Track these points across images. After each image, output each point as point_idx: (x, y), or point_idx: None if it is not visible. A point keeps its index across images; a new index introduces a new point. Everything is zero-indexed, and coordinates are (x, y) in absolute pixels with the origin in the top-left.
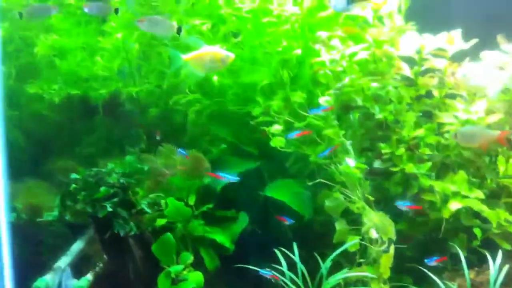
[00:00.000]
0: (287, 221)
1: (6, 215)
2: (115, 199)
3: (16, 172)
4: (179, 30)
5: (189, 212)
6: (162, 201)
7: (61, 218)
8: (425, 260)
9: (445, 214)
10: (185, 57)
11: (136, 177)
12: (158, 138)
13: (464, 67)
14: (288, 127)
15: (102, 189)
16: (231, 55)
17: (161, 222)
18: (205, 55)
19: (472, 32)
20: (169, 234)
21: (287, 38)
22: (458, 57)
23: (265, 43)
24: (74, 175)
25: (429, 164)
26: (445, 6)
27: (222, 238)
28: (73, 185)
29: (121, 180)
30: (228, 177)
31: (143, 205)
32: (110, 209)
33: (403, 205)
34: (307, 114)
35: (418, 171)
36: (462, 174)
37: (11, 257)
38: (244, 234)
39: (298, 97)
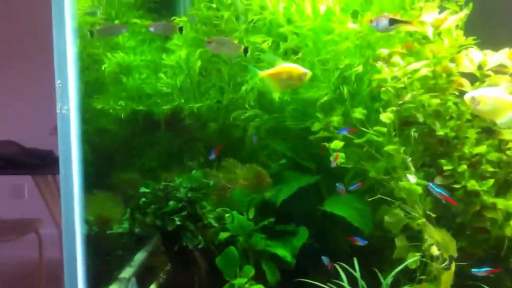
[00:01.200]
0: (359, 242)
1: (80, 227)
2: (184, 213)
3: (86, 185)
4: (245, 51)
5: (251, 226)
6: (227, 215)
7: (131, 231)
8: (473, 270)
9: (508, 232)
10: (262, 73)
11: (203, 191)
12: (213, 156)
13: None
14: (347, 143)
15: (171, 203)
16: (309, 72)
17: (224, 235)
18: (282, 72)
19: None
20: (232, 248)
21: (348, 55)
22: None
23: (324, 60)
24: (143, 189)
25: (492, 181)
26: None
27: (283, 252)
28: (143, 199)
29: (189, 195)
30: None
31: (210, 219)
32: (178, 223)
33: (435, 189)
34: (367, 130)
35: (480, 188)
36: None
37: (83, 268)
38: (303, 248)
39: (358, 113)
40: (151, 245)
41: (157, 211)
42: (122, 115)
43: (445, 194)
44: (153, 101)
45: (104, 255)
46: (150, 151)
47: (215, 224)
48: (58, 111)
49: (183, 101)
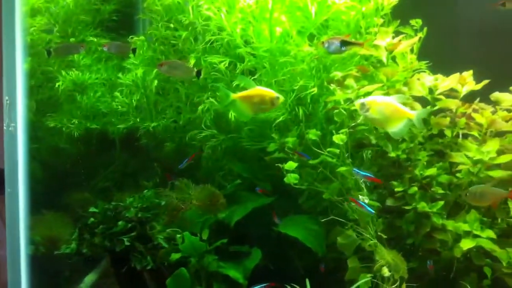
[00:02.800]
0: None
1: (25, 248)
2: (133, 233)
3: (34, 204)
4: (198, 74)
5: (203, 247)
6: (178, 236)
7: (79, 251)
8: None
9: (457, 253)
10: (235, 95)
11: (154, 212)
12: (183, 165)
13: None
14: (302, 164)
15: (120, 223)
16: (281, 97)
17: (175, 256)
18: (255, 95)
19: (484, 72)
20: (183, 269)
21: (303, 77)
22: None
23: (281, 81)
24: (92, 209)
25: (442, 203)
26: (458, 46)
27: (235, 273)
28: (91, 219)
29: (139, 215)
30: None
31: (160, 239)
32: (127, 243)
33: (360, 173)
34: (321, 152)
35: (431, 210)
36: (474, 214)
37: None
38: (257, 270)
39: (313, 134)
40: (102, 266)
41: (106, 232)
42: (76, 134)
43: (370, 175)
44: (108, 120)
45: (51, 277)
46: (105, 171)
47: (165, 245)
48: (5, 128)
49: (138, 120)
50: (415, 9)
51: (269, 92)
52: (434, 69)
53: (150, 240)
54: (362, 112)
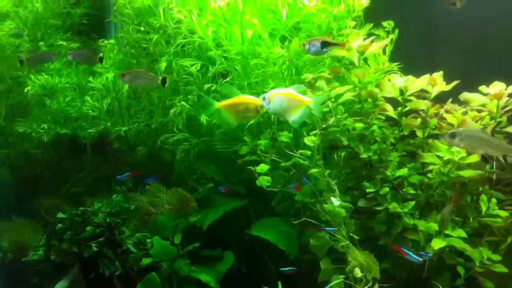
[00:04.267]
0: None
1: None
2: (101, 239)
3: (3, 210)
4: (163, 82)
5: (174, 251)
6: (148, 241)
7: (47, 258)
8: None
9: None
10: (219, 104)
11: (123, 216)
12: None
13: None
14: (275, 167)
15: (88, 228)
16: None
17: (146, 261)
18: (239, 103)
19: (455, 73)
20: (154, 274)
21: (275, 79)
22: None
23: (253, 83)
24: (60, 214)
25: (413, 203)
26: (430, 47)
27: (207, 277)
28: (59, 225)
29: (108, 220)
30: (413, 256)
31: (129, 244)
32: (95, 249)
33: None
34: (293, 154)
35: (402, 210)
36: None
37: None
38: (230, 273)
39: (285, 136)
40: (73, 272)
41: (74, 237)
42: (45, 139)
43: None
44: (79, 125)
45: (20, 284)
46: (76, 176)
47: (134, 250)
48: None
49: (109, 124)
50: (388, 11)
51: (253, 100)
52: (408, 71)
53: (119, 245)
54: (265, 106)
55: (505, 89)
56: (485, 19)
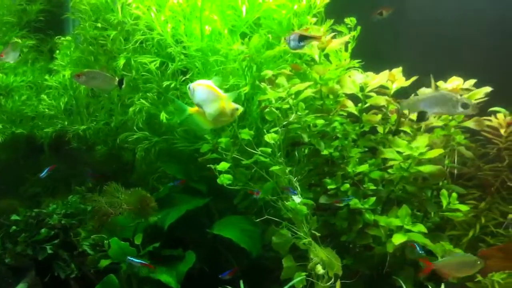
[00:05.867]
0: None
1: None
2: (56, 241)
3: None
4: (120, 83)
5: (134, 252)
6: (106, 242)
7: (1, 261)
8: None
9: (389, 249)
10: (192, 109)
11: (79, 218)
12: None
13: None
14: (237, 164)
15: (43, 230)
16: (241, 108)
17: (104, 263)
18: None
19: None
20: (112, 276)
21: (235, 76)
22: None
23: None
24: (14, 216)
25: (374, 199)
26: (392, 44)
27: (167, 278)
28: (13, 227)
29: (63, 221)
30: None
31: (85, 246)
32: (50, 251)
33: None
34: (254, 152)
35: (363, 206)
36: (405, 208)
37: None
38: (192, 273)
39: (245, 134)
40: (31, 275)
41: (28, 240)
42: (1, 139)
43: None
44: (35, 124)
45: None
46: (33, 176)
47: (90, 252)
48: None
49: (66, 123)
50: (351, 8)
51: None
52: (370, 68)
53: (75, 247)
54: (191, 96)
55: (463, 84)
56: (445, 16)
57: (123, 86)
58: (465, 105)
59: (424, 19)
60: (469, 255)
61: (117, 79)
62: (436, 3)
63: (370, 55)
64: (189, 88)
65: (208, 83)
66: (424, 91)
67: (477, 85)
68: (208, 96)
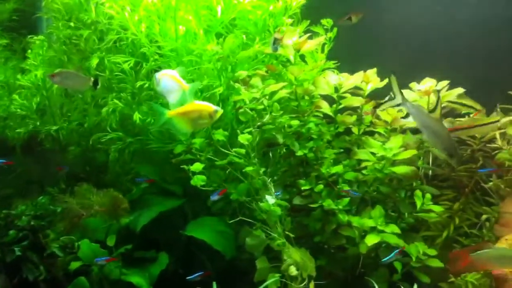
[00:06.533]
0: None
1: None
2: (25, 243)
3: None
4: (95, 84)
5: (105, 254)
6: (76, 244)
7: None
8: None
9: (362, 249)
10: (171, 112)
11: (48, 219)
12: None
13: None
14: (211, 165)
15: (11, 232)
16: (220, 110)
17: (75, 265)
18: (192, 111)
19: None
20: (82, 278)
21: (209, 76)
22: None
23: (188, 81)
24: None
25: (347, 200)
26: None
27: (139, 280)
28: None
29: (32, 223)
30: None
31: (54, 248)
32: (19, 253)
33: None
34: (229, 152)
35: (336, 207)
36: (379, 209)
37: None
38: (166, 275)
39: (219, 135)
40: (2, 278)
41: None
42: None
43: None
44: (7, 124)
45: None
46: (4, 177)
47: (60, 254)
48: None
49: (39, 123)
50: (326, 10)
51: (207, 106)
52: (347, 69)
53: (44, 249)
54: (155, 86)
55: (435, 86)
56: (420, 19)
57: (98, 86)
58: (450, 155)
59: (400, 22)
60: (507, 249)
61: (92, 79)
62: (411, 6)
63: (348, 56)
64: (155, 77)
65: (172, 73)
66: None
67: (451, 86)
68: (172, 86)
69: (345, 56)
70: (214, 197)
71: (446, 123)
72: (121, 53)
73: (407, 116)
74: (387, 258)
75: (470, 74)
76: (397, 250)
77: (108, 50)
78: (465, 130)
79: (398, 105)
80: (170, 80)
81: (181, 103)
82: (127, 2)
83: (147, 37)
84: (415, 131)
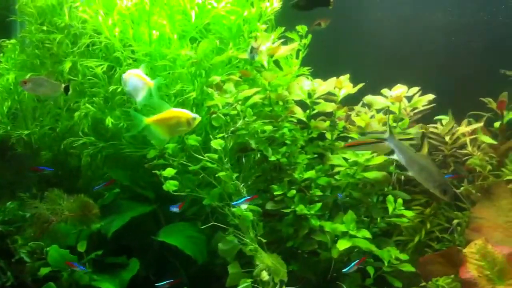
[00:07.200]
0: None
1: None
2: None
3: None
4: (66, 89)
5: (74, 260)
6: (45, 249)
7: None
8: None
9: (334, 254)
10: (148, 120)
11: (17, 225)
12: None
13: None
14: (185, 170)
15: None
16: (198, 117)
17: (44, 271)
18: (170, 118)
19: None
20: (51, 284)
21: (183, 81)
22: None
23: (163, 86)
24: None
25: (319, 205)
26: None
27: (109, 286)
28: None
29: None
30: None
31: (23, 254)
32: None
33: None
34: (201, 157)
35: (309, 212)
36: (351, 214)
37: None
38: (137, 281)
39: (193, 140)
40: None
41: None
42: None
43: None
44: None
45: None
46: None
47: (28, 260)
48: None
49: (10, 128)
50: (301, 16)
51: (184, 113)
52: (324, 76)
53: (12, 255)
54: (124, 86)
55: (407, 92)
56: (393, 26)
57: (69, 92)
58: (444, 191)
59: (374, 28)
60: None
61: (63, 85)
62: (384, 11)
63: (323, 63)
64: (122, 78)
65: (137, 72)
66: (369, 99)
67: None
68: (138, 84)
69: (320, 63)
70: (174, 209)
71: (417, 129)
72: (95, 57)
73: (391, 153)
74: (348, 268)
75: (442, 81)
76: (356, 261)
77: (81, 54)
78: (358, 146)
79: (384, 139)
80: (136, 79)
81: (147, 100)
82: (101, 6)
83: (120, 41)
84: (401, 168)
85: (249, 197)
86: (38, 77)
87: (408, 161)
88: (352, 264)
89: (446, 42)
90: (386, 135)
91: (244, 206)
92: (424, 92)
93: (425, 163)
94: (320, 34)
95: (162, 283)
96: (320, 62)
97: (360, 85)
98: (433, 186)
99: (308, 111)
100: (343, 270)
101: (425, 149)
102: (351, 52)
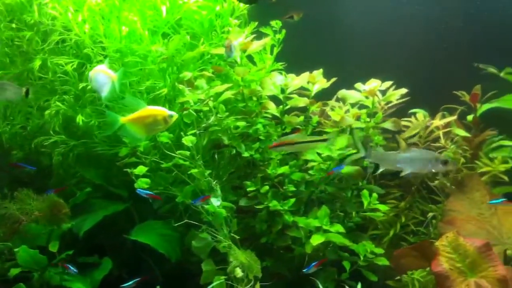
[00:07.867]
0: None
1: None
2: None
3: None
4: (27, 93)
5: (45, 260)
6: (15, 250)
7: None
8: None
9: (307, 249)
10: (124, 119)
11: None
12: None
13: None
14: (157, 168)
15: None
16: (175, 114)
17: (14, 272)
18: (146, 116)
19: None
20: (21, 285)
21: (154, 77)
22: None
23: (133, 82)
24: None
25: (293, 200)
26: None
27: (80, 286)
28: None
29: None
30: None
31: None
32: None
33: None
34: (174, 155)
35: (282, 208)
36: (324, 209)
37: None
38: (110, 280)
39: (165, 137)
40: None
41: None
42: None
43: (151, 193)
44: None
45: None
46: None
47: None
48: None
49: None
50: (275, 12)
51: (161, 111)
52: (298, 71)
53: None
54: (91, 84)
55: (380, 86)
56: (368, 19)
57: (29, 95)
58: (444, 162)
59: (349, 23)
60: None
61: (23, 89)
62: (361, 7)
63: (298, 58)
64: (89, 76)
65: (101, 68)
66: (343, 94)
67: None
68: (103, 79)
69: (295, 58)
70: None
71: (391, 123)
72: (65, 54)
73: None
74: (308, 268)
75: (417, 75)
76: (315, 262)
77: (52, 52)
78: (289, 146)
79: (363, 157)
80: (100, 74)
81: (111, 93)
82: (71, 3)
83: (91, 38)
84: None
85: (203, 197)
86: (1, 82)
87: (396, 165)
88: (311, 265)
89: (420, 35)
90: (362, 153)
91: (217, 203)
92: (398, 86)
93: (411, 156)
94: (294, 28)
95: (129, 282)
96: (294, 57)
97: (333, 80)
98: (432, 167)
99: (281, 106)
100: (303, 270)
101: (402, 144)
102: (326, 46)
